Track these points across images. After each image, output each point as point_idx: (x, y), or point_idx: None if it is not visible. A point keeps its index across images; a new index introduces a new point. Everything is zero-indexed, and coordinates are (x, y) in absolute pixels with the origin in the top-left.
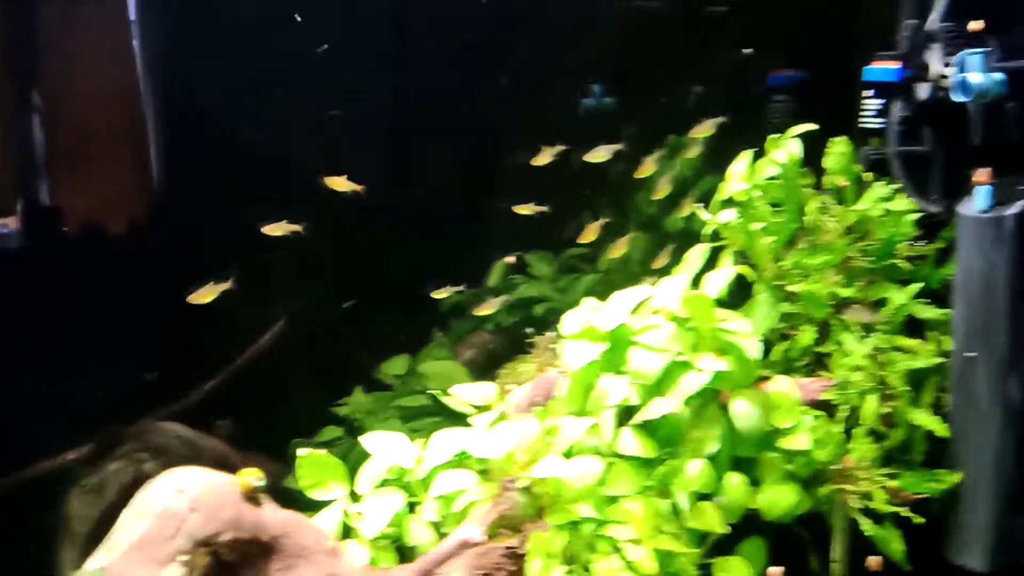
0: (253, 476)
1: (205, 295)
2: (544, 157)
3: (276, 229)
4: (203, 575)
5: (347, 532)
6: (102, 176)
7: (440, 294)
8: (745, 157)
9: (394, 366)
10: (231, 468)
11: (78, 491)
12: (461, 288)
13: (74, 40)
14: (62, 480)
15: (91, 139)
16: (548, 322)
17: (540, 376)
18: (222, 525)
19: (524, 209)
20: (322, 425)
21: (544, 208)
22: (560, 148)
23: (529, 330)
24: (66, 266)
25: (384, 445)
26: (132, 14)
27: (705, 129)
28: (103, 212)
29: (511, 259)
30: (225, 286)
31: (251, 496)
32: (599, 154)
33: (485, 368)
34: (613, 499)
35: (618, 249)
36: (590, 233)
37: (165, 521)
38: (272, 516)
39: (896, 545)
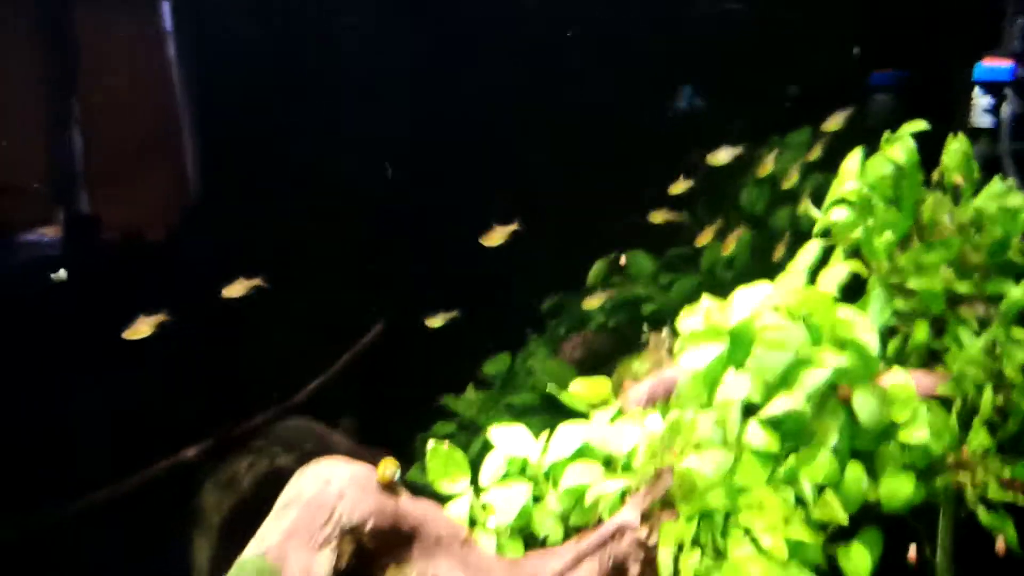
0: (390, 467)
1: (237, 289)
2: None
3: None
4: (350, 562)
5: (474, 523)
6: (139, 186)
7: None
8: (856, 155)
9: (496, 365)
10: (360, 461)
11: (212, 483)
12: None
13: (112, 53)
14: (196, 474)
15: (128, 150)
16: (654, 321)
17: (658, 373)
18: (366, 514)
19: (659, 216)
20: (433, 421)
21: (679, 216)
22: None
23: (644, 328)
24: (105, 270)
25: (506, 438)
26: (168, 26)
27: (835, 123)
28: (140, 220)
29: (620, 260)
30: (256, 282)
31: (389, 486)
32: (721, 156)
33: (591, 367)
34: (742, 490)
35: (725, 248)
36: (706, 236)
37: (315, 510)
38: (410, 506)
39: (1010, 532)
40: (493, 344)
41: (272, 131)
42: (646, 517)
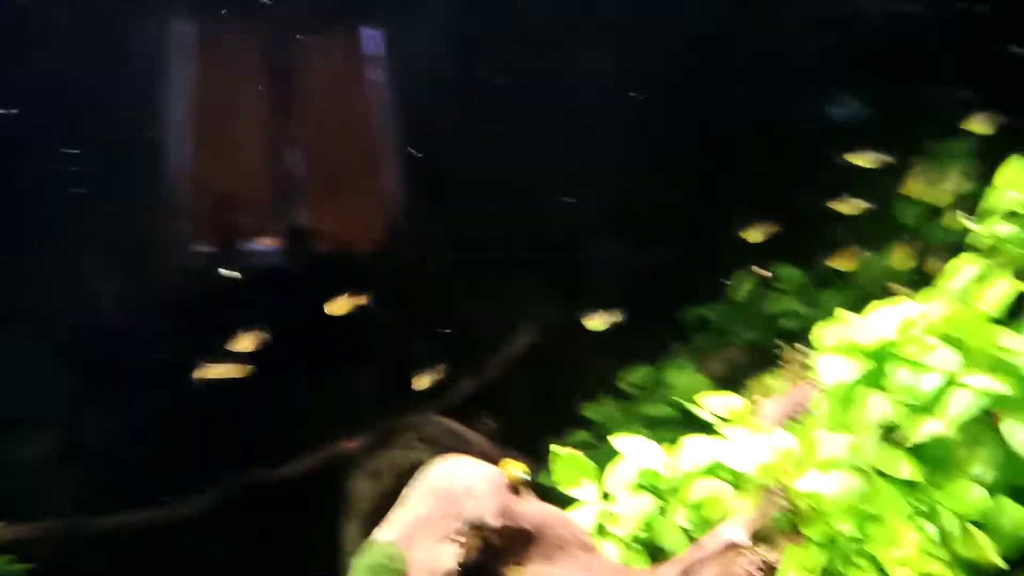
0: (519, 469)
1: (340, 307)
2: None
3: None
4: (474, 556)
5: (599, 530)
6: (348, 201)
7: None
8: (1017, 163)
9: (635, 375)
10: (493, 461)
11: (361, 473)
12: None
13: (328, 81)
14: (347, 463)
15: (340, 169)
16: (798, 336)
17: (793, 390)
18: (492, 511)
19: (843, 206)
20: (570, 428)
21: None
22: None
23: (779, 343)
24: (321, 280)
25: (635, 449)
26: (376, 53)
27: (980, 126)
28: (352, 233)
29: (766, 273)
30: (360, 300)
31: (516, 487)
32: (863, 157)
33: (730, 381)
34: (875, 518)
35: (877, 261)
36: (846, 259)
37: (444, 503)
38: (535, 508)
39: None
40: (637, 354)
41: (464, 148)
42: (762, 537)
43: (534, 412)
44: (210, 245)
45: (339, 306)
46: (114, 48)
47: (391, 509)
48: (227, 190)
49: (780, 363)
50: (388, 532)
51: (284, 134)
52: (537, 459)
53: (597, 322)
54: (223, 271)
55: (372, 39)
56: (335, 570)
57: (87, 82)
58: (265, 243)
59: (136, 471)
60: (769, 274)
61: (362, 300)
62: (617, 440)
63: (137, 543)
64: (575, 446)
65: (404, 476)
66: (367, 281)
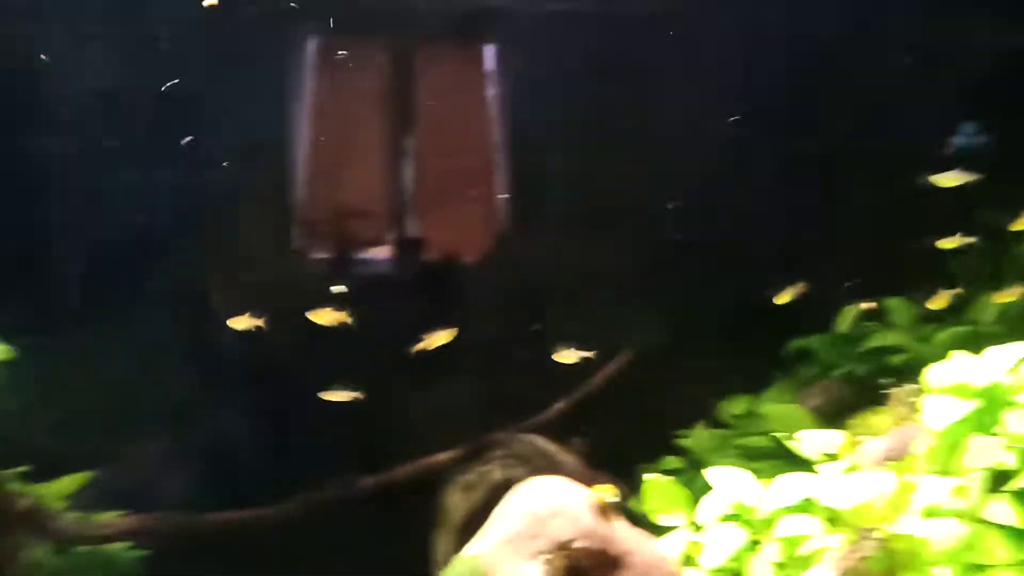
0: (608, 493)
1: (324, 318)
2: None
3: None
4: (559, 575)
5: (687, 559)
6: (459, 213)
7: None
8: None
9: (734, 406)
10: (583, 483)
11: (454, 487)
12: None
13: (443, 96)
14: (442, 476)
15: (451, 182)
16: (905, 373)
17: (897, 429)
18: (579, 533)
19: (951, 241)
20: (664, 454)
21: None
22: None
23: (885, 380)
24: (427, 289)
25: (727, 480)
26: (489, 69)
27: None
28: (459, 244)
29: (869, 305)
30: (343, 317)
31: (604, 511)
32: (950, 178)
33: (831, 416)
34: (980, 567)
35: (997, 299)
36: (947, 296)
37: (531, 522)
38: (622, 532)
39: None
40: (736, 383)
41: (572, 167)
42: None
43: (628, 436)
44: (326, 253)
45: (322, 317)
46: (240, 64)
47: (482, 524)
48: (344, 201)
49: (884, 400)
50: (477, 547)
51: (401, 147)
52: (628, 484)
53: (566, 356)
54: (333, 288)
55: (488, 54)
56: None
57: (214, 96)
58: (377, 253)
59: (245, 472)
60: (875, 306)
61: (345, 317)
62: (710, 471)
63: (242, 539)
64: (667, 473)
65: (496, 492)
66: (472, 293)
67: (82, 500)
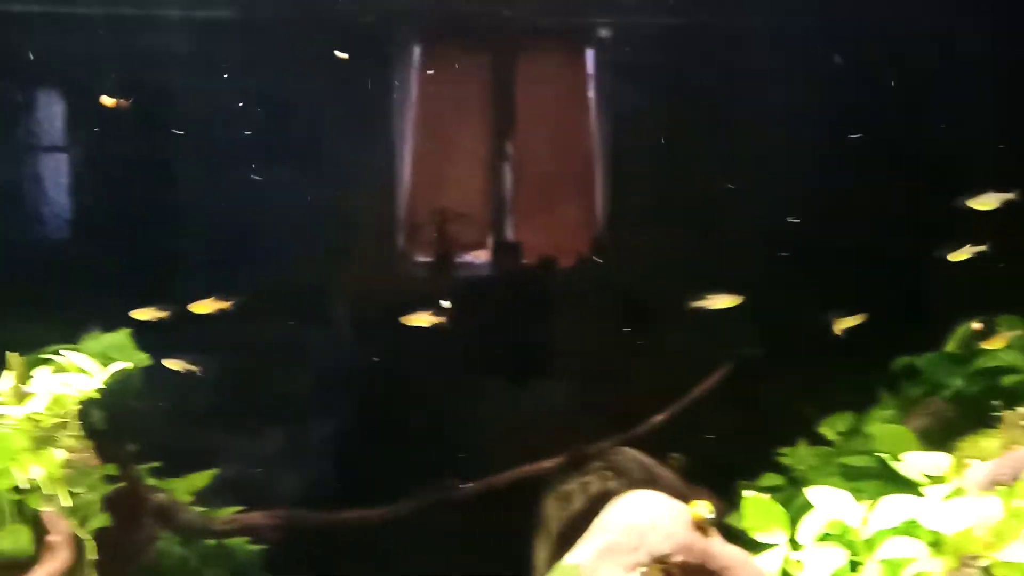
0: (705, 508)
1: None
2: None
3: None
4: None
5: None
6: (557, 217)
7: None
8: None
9: (837, 423)
10: (681, 498)
11: (554, 496)
12: None
13: (543, 98)
14: (541, 484)
15: (549, 186)
16: (1019, 395)
17: (1008, 454)
18: (676, 547)
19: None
20: (763, 471)
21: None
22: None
23: (995, 402)
24: (525, 293)
25: (828, 500)
26: (590, 71)
27: None
28: (557, 248)
29: (978, 325)
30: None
31: (701, 526)
32: (986, 201)
33: (938, 437)
34: None
35: None
36: (1000, 340)
37: (629, 535)
38: (719, 548)
39: None
40: (840, 400)
41: (675, 172)
42: None
43: (726, 451)
44: (427, 256)
45: (419, 320)
46: (344, 69)
47: (579, 534)
48: (445, 205)
49: (994, 422)
50: (577, 556)
51: (501, 151)
52: (725, 500)
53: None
54: (443, 303)
55: (590, 57)
56: None
57: (322, 103)
58: (476, 256)
59: (354, 473)
60: (988, 326)
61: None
62: (811, 491)
63: (350, 538)
64: (767, 491)
65: (594, 503)
66: (566, 298)
67: (205, 496)
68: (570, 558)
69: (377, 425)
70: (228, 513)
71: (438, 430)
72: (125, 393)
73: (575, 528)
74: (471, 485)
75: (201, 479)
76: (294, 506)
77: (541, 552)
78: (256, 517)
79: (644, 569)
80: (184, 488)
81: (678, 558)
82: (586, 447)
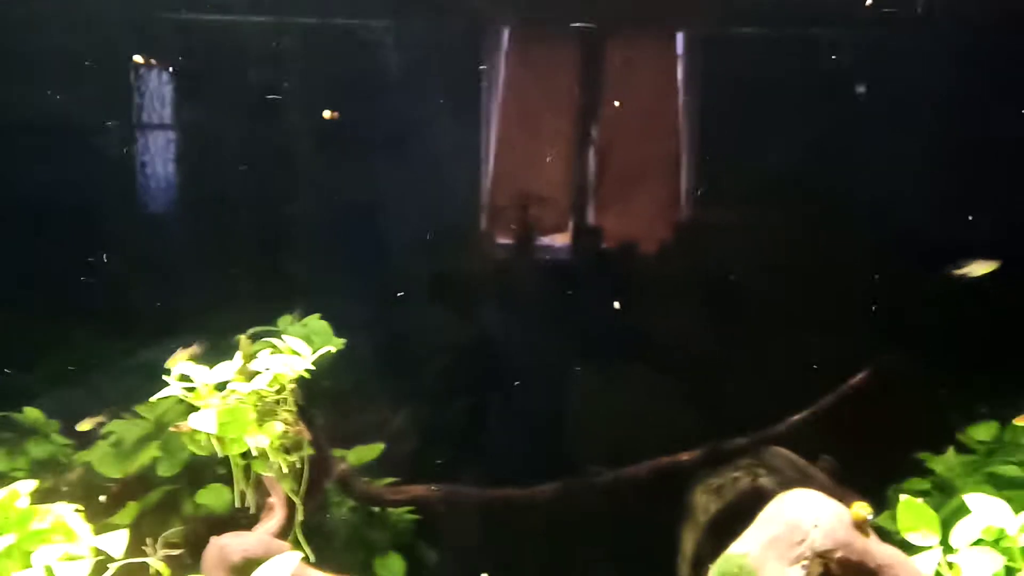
0: (864, 509)
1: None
2: None
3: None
4: None
5: None
6: (640, 202)
7: None
8: None
9: (980, 432)
10: (834, 499)
11: (703, 488)
12: None
13: (630, 81)
14: (690, 476)
15: (633, 170)
16: None
17: None
18: (837, 544)
19: None
20: (905, 476)
21: None
22: None
23: None
24: (605, 278)
25: (983, 506)
26: (678, 54)
27: None
28: (638, 233)
29: None
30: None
31: (861, 525)
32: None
33: None
34: None
35: None
36: None
37: (793, 530)
38: (878, 548)
39: None
40: (986, 408)
41: (753, 159)
42: None
43: (870, 455)
44: (509, 239)
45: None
46: (431, 52)
47: (728, 526)
48: (528, 188)
49: None
50: (741, 547)
51: (587, 135)
52: (873, 502)
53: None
54: (615, 304)
55: (679, 41)
56: (672, 571)
57: (407, 85)
58: (556, 239)
59: (500, 453)
60: None
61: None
62: (969, 496)
63: (499, 515)
64: (912, 494)
65: (744, 497)
66: (645, 284)
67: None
68: (735, 547)
69: (509, 410)
70: (386, 484)
71: (563, 417)
72: (319, 373)
73: (724, 521)
74: (611, 472)
75: (370, 452)
76: (444, 481)
77: (688, 541)
78: (418, 489)
79: (806, 563)
80: (354, 459)
81: (839, 554)
82: (723, 443)
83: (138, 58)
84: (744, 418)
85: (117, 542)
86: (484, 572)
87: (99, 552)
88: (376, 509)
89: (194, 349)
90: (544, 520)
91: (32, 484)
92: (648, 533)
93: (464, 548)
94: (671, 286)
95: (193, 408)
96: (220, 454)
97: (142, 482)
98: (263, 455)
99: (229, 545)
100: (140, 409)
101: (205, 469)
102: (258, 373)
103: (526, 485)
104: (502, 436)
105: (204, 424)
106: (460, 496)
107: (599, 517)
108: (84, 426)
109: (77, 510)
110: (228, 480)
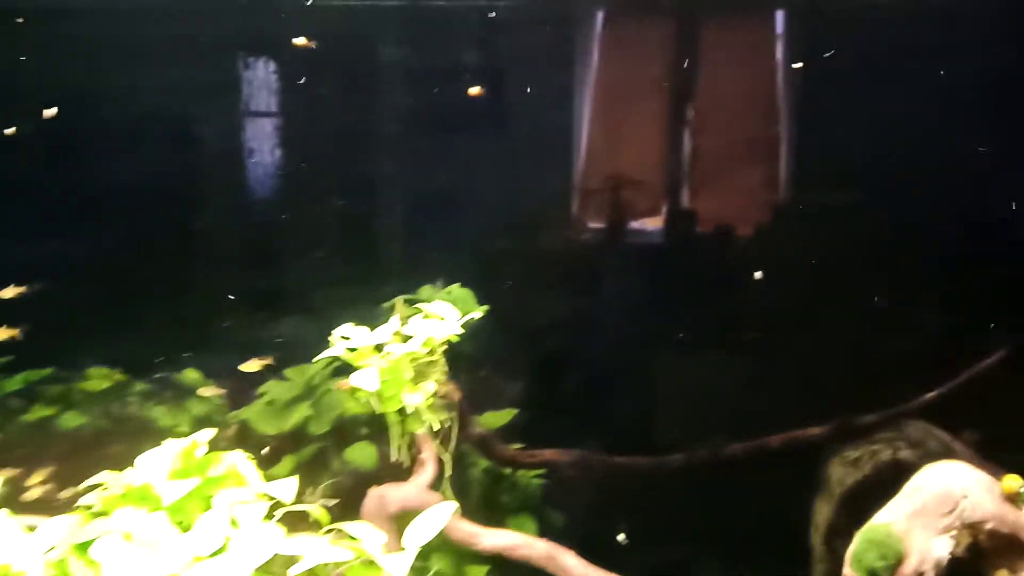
0: (1016, 481)
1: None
2: None
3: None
4: (962, 553)
5: None
6: (736, 184)
7: None
8: None
9: None
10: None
11: (839, 460)
12: None
13: (727, 61)
14: (823, 450)
15: (729, 152)
16: None
17: None
18: (987, 515)
19: None
20: None
21: None
22: None
23: None
24: (698, 261)
25: None
26: (778, 33)
27: None
28: (734, 217)
29: None
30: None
31: (1012, 498)
32: None
33: None
34: None
35: None
36: None
37: (941, 500)
38: None
39: None
40: None
41: (860, 141)
42: None
43: (1011, 430)
44: (601, 223)
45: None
46: (528, 37)
47: (866, 498)
48: (621, 172)
49: None
50: (887, 516)
51: (681, 118)
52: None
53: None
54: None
55: (776, 21)
56: (805, 539)
57: (506, 71)
58: (649, 223)
59: (628, 424)
60: None
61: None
62: None
63: (628, 482)
64: None
65: (882, 469)
66: (747, 266)
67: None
68: (880, 517)
69: (636, 384)
70: (516, 449)
71: (688, 391)
72: (462, 338)
73: (861, 492)
74: (740, 445)
75: (502, 417)
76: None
77: (821, 512)
78: (551, 454)
79: (955, 533)
80: (488, 423)
81: (989, 526)
82: (856, 418)
83: (300, 40)
84: (880, 394)
85: (288, 488)
86: (616, 534)
87: (269, 497)
88: (507, 472)
89: (267, 360)
90: (671, 489)
91: (211, 433)
92: (779, 504)
93: (592, 512)
94: (789, 265)
95: (344, 369)
96: (378, 411)
97: (294, 439)
98: (416, 413)
99: (388, 494)
100: (289, 373)
101: (349, 429)
102: (411, 337)
103: (653, 454)
104: (630, 407)
105: (366, 382)
106: (589, 462)
107: (728, 487)
108: (249, 367)
109: (250, 458)
110: (371, 439)
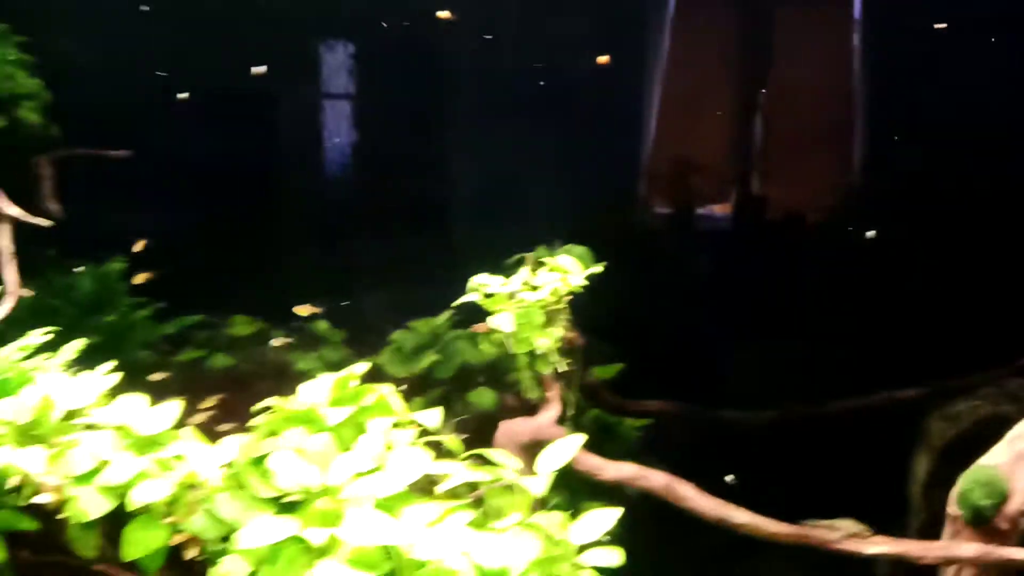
0: None
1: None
2: None
3: None
4: None
5: None
6: (808, 170)
7: None
8: None
9: None
10: None
11: (938, 415)
12: None
13: (802, 47)
14: (924, 404)
15: (802, 138)
16: None
17: None
18: None
19: None
20: None
21: None
22: None
23: None
24: (768, 246)
25: None
26: (856, 16)
27: None
28: (804, 204)
29: None
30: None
31: None
32: None
33: None
34: None
35: None
36: None
37: None
38: None
39: None
40: None
41: (946, 125)
42: None
43: None
44: (671, 208)
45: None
46: (599, 20)
47: (964, 451)
48: (690, 157)
49: None
50: (990, 459)
51: (752, 103)
52: None
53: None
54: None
55: (852, 6)
56: (904, 490)
57: (577, 55)
58: (718, 209)
59: (728, 381)
60: None
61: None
62: None
63: (724, 437)
64: None
65: (980, 424)
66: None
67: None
68: (985, 459)
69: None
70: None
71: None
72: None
73: (959, 446)
74: (839, 403)
75: (610, 370)
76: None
77: (921, 465)
78: (656, 404)
79: None
80: (598, 374)
81: None
82: (955, 379)
83: (443, 14)
84: (977, 357)
85: (433, 416)
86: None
87: (416, 424)
88: (612, 420)
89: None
90: (770, 443)
91: (365, 366)
92: (879, 459)
93: (690, 463)
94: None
95: (464, 323)
96: (512, 351)
97: (421, 383)
98: (544, 356)
99: (519, 427)
100: (415, 324)
101: (469, 376)
102: (540, 287)
103: (752, 409)
104: (735, 366)
105: (503, 324)
106: (691, 414)
107: (828, 442)
108: (301, 311)
109: (397, 391)
110: (490, 384)
